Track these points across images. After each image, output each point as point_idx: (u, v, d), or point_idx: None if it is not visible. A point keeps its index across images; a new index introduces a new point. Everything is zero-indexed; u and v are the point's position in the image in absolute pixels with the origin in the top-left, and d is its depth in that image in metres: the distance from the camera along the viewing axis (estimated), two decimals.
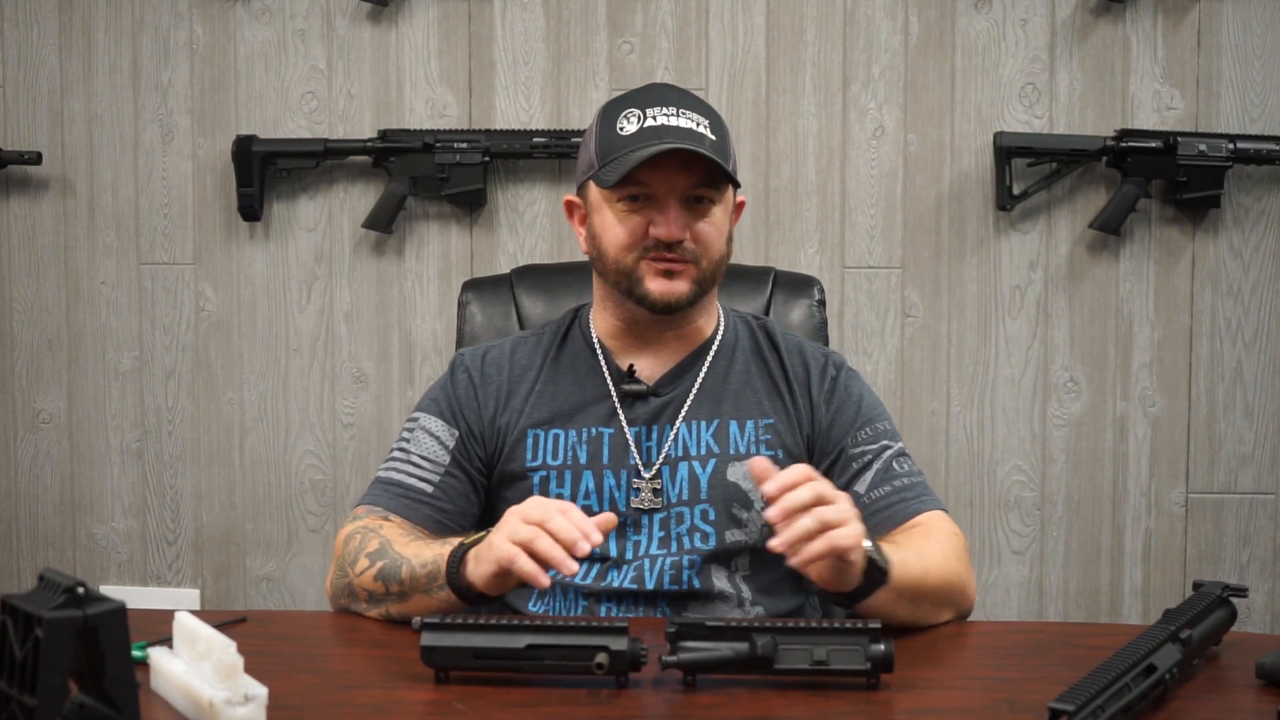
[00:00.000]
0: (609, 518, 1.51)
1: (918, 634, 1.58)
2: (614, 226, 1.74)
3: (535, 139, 2.85)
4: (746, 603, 1.73)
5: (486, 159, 2.86)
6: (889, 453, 1.76)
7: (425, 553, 1.60)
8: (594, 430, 1.77)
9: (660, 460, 1.76)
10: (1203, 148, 2.78)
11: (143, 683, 1.26)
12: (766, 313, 2.10)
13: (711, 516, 1.74)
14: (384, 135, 2.88)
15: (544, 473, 1.76)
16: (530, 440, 1.77)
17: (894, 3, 2.86)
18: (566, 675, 1.38)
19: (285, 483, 3.00)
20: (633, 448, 1.77)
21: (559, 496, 1.75)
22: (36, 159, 2.92)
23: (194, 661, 1.28)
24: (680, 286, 1.74)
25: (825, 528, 1.42)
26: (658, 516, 1.74)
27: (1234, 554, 2.92)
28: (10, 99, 2.97)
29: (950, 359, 2.92)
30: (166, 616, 1.36)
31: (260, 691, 1.24)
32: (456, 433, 1.78)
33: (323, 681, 1.42)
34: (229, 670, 1.24)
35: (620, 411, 1.78)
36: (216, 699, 1.22)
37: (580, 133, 2.84)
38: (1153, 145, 2.79)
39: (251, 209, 2.92)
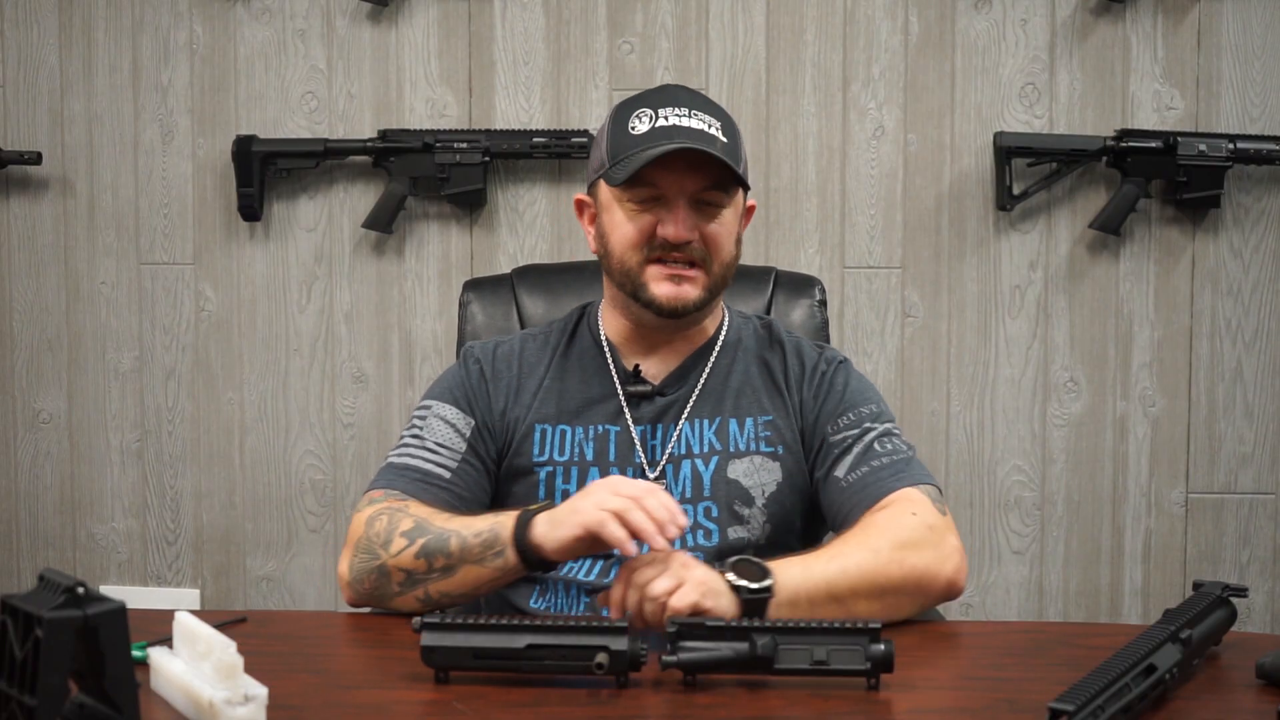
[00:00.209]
0: (684, 522, 1.51)
1: (918, 634, 1.57)
2: (622, 225, 1.74)
3: (535, 139, 2.85)
4: None
5: (486, 159, 2.86)
6: (871, 434, 1.74)
7: (476, 523, 1.59)
8: (600, 428, 1.78)
9: (664, 459, 1.77)
10: (1203, 148, 2.78)
11: (143, 683, 1.26)
12: (767, 313, 2.11)
13: (714, 514, 1.75)
14: (384, 135, 2.88)
15: (550, 468, 1.77)
16: (538, 435, 1.78)
17: (894, 3, 2.86)
18: (566, 675, 1.38)
19: (285, 483, 3.01)
20: (638, 446, 1.77)
21: (565, 493, 1.75)
22: (36, 159, 2.92)
23: (194, 661, 1.28)
24: (689, 292, 1.74)
25: (662, 599, 1.45)
26: None
27: (1234, 554, 2.92)
28: (10, 99, 2.98)
29: (950, 359, 2.92)
30: (166, 616, 1.36)
31: (260, 691, 1.24)
32: (472, 422, 1.78)
33: (323, 681, 1.42)
34: (229, 670, 1.24)
35: (626, 410, 1.79)
36: (216, 699, 1.22)
37: (581, 132, 2.84)
38: (1153, 145, 2.79)
39: (251, 209, 2.92)
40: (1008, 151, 2.82)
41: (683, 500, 1.75)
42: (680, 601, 1.45)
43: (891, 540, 1.58)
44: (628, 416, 1.79)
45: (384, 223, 2.90)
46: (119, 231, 2.99)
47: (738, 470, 1.76)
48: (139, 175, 2.98)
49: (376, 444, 2.98)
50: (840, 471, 1.72)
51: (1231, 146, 2.77)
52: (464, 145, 2.86)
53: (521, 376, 1.82)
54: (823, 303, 2.15)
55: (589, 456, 1.77)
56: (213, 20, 2.93)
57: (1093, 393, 2.91)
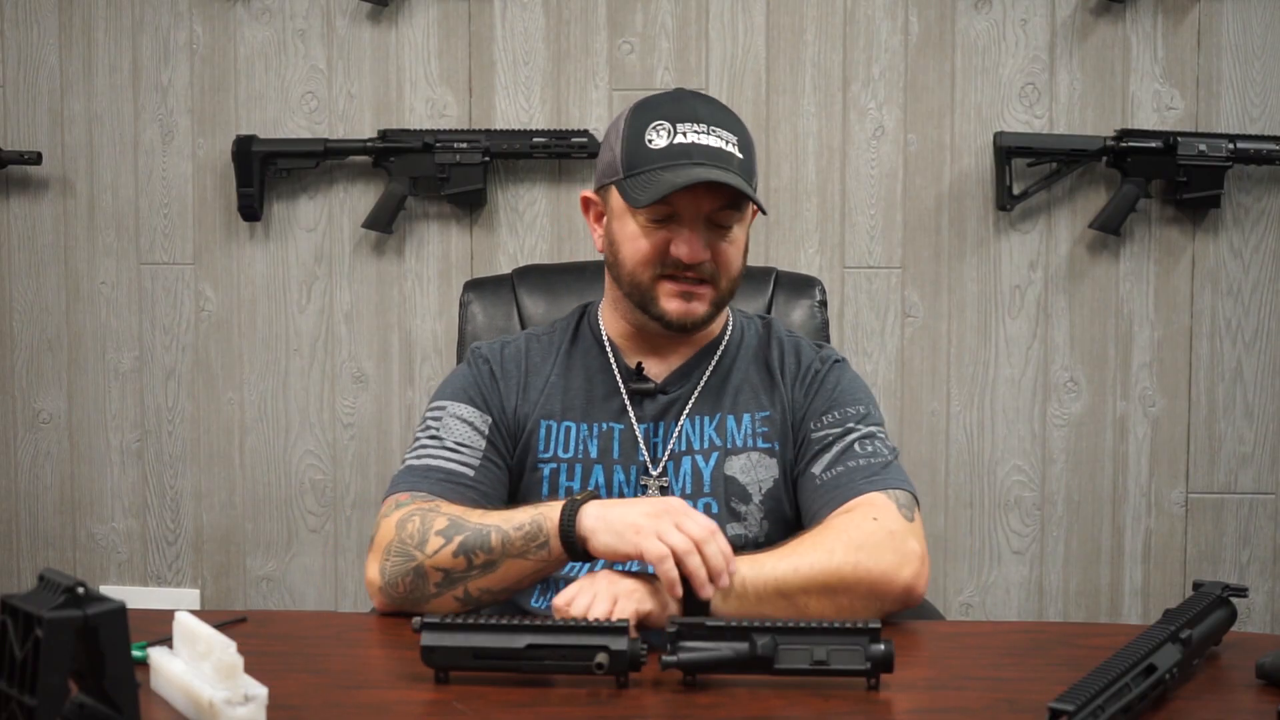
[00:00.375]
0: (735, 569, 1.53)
1: (918, 634, 1.57)
2: (635, 240, 1.73)
3: (535, 139, 2.85)
4: None
5: (486, 159, 2.86)
6: (853, 435, 1.74)
7: (516, 516, 1.59)
8: (605, 425, 1.79)
9: (666, 456, 1.77)
10: (1203, 148, 2.78)
11: (143, 683, 1.26)
12: (768, 312, 2.11)
13: (714, 510, 1.75)
14: (384, 135, 2.88)
15: (555, 465, 1.77)
16: (543, 431, 1.78)
17: (894, 3, 2.86)
18: (566, 675, 1.38)
19: (285, 483, 3.01)
20: (641, 444, 1.78)
21: (569, 490, 1.76)
22: (36, 159, 2.92)
23: (194, 661, 1.28)
24: (698, 308, 1.75)
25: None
26: None
27: (1234, 554, 2.92)
28: (10, 99, 2.98)
29: (950, 359, 2.92)
30: (166, 616, 1.36)
31: (260, 691, 1.24)
32: (489, 419, 1.78)
33: (323, 681, 1.42)
34: (229, 670, 1.24)
35: (630, 408, 1.79)
36: (216, 699, 1.22)
37: (581, 132, 2.84)
38: (1153, 145, 2.79)
39: (251, 209, 2.92)
40: (1008, 151, 2.82)
41: (684, 496, 1.75)
42: (620, 615, 1.46)
43: (847, 542, 1.57)
44: (631, 414, 1.79)
45: (384, 223, 2.90)
46: (119, 231, 2.99)
47: (735, 467, 1.77)
48: (139, 175, 2.98)
49: (376, 444, 2.98)
50: (816, 469, 1.73)
51: (1231, 146, 2.77)
52: (464, 145, 2.86)
53: (528, 375, 1.83)
54: (823, 303, 2.15)
55: (593, 454, 1.77)
56: (213, 20, 2.93)
57: (1093, 393, 2.91)
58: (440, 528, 1.61)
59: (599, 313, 1.87)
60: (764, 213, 1.77)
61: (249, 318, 2.99)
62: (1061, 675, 1.30)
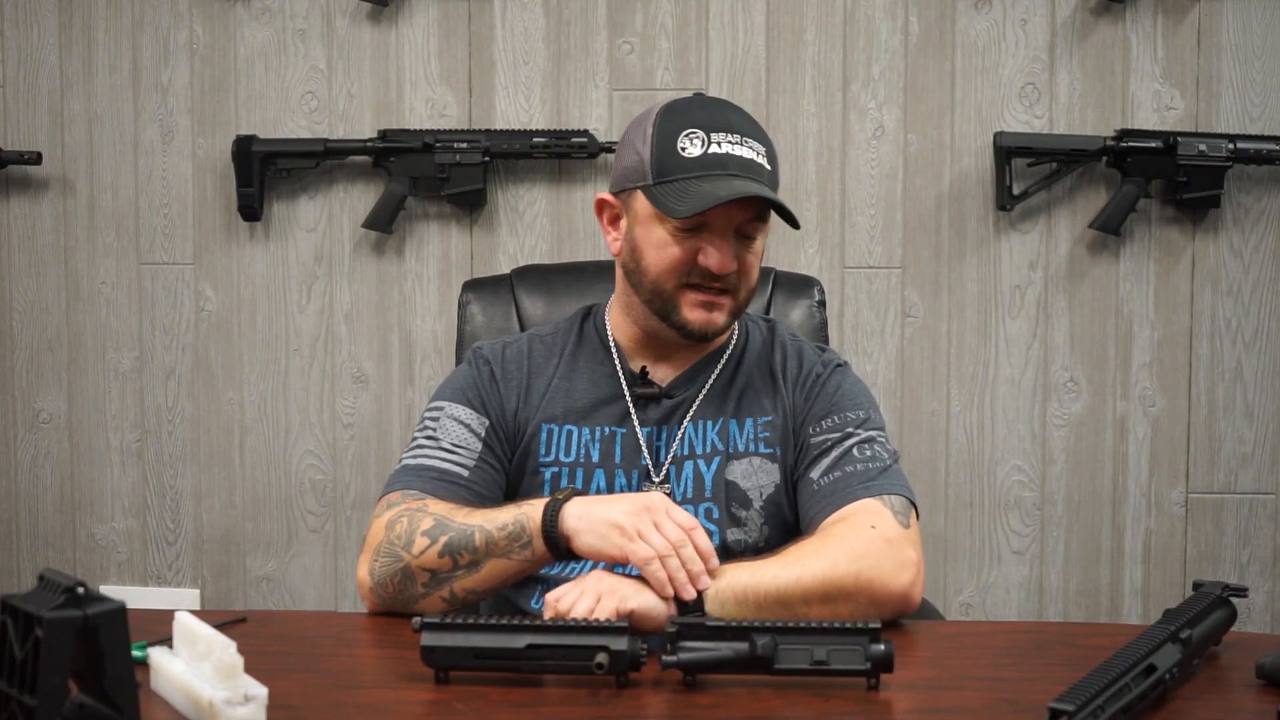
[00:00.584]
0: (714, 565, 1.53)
1: (918, 634, 1.57)
2: (662, 248, 1.72)
3: (535, 139, 2.85)
4: None
5: (486, 159, 2.86)
6: (852, 440, 1.73)
7: (500, 516, 1.59)
8: (607, 429, 1.78)
9: (669, 460, 1.77)
10: (1203, 148, 2.78)
11: (143, 683, 1.26)
12: (767, 313, 2.11)
13: (715, 515, 1.75)
14: (384, 135, 2.88)
15: (556, 469, 1.77)
16: (544, 435, 1.78)
17: (894, 3, 2.86)
18: (566, 675, 1.38)
19: (285, 483, 3.01)
20: (644, 448, 1.77)
21: None
22: (36, 159, 2.92)
23: (194, 661, 1.28)
24: (719, 318, 1.74)
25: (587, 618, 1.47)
26: None
27: (1234, 554, 2.92)
28: (10, 99, 2.98)
29: (950, 359, 2.92)
30: (166, 616, 1.36)
31: (260, 691, 1.24)
32: (486, 421, 1.78)
33: (323, 681, 1.42)
34: (229, 670, 1.24)
35: (633, 412, 1.79)
36: (216, 699, 1.22)
37: (581, 132, 2.84)
38: (1153, 145, 2.79)
39: (251, 209, 2.92)
40: (1008, 151, 2.82)
41: (684, 501, 1.75)
42: (602, 613, 1.46)
43: (848, 552, 1.57)
44: (634, 419, 1.79)
45: (384, 223, 2.90)
46: (119, 231, 2.99)
47: (736, 472, 1.76)
48: (139, 175, 2.98)
49: (376, 444, 2.98)
50: (815, 474, 1.72)
51: (1231, 146, 2.77)
52: (464, 145, 2.86)
53: (530, 376, 1.82)
54: (822, 303, 2.15)
55: (595, 458, 1.77)
56: (213, 20, 2.93)
57: (1093, 393, 2.91)
58: (426, 528, 1.61)
59: (606, 315, 1.86)
60: (797, 227, 1.75)
61: (249, 318, 2.99)
62: (1061, 675, 1.30)
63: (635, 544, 1.49)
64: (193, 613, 1.35)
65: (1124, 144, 2.80)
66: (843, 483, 1.69)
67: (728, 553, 1.74)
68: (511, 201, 2.93)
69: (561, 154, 2.86)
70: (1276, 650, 1.39)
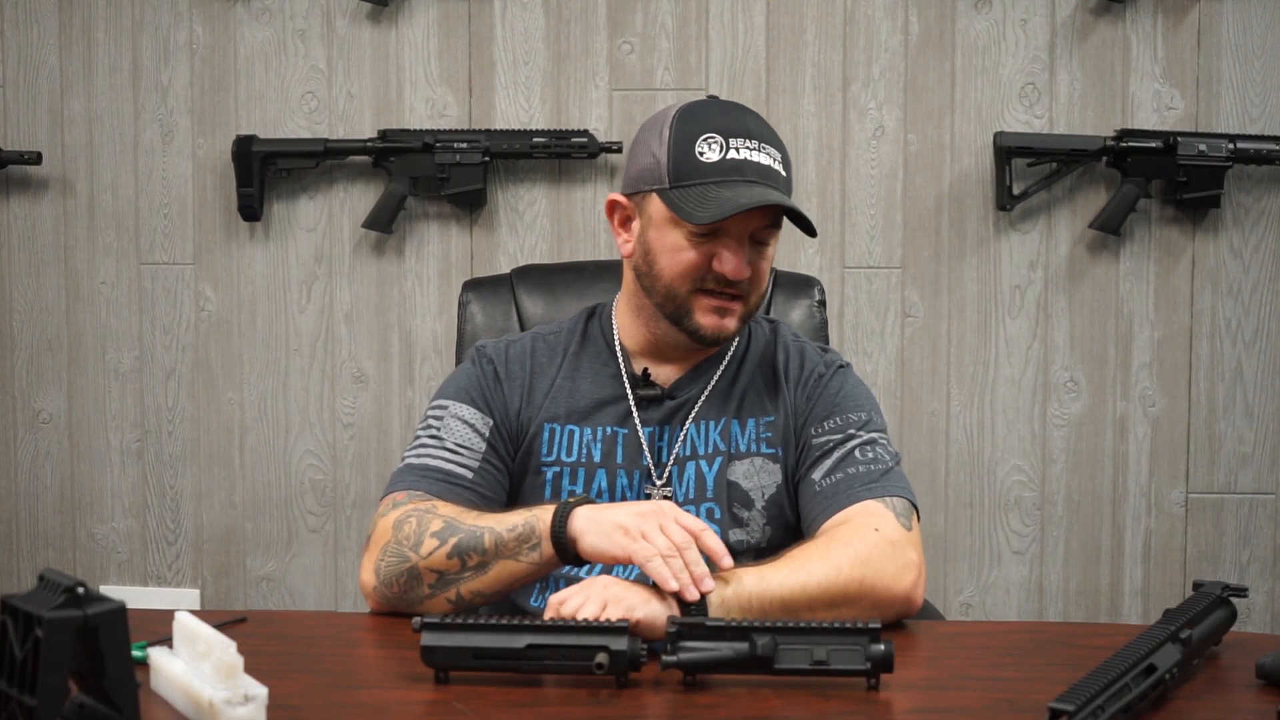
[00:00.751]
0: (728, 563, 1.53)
1: (918, 634, 1.57)
2: (677, 252, 1.72)
3: (535, 139, 2.85)
4: None
5: (486, 159, 2.86)
6: (854, 442, 1.74)
7: (509, 518, 1.59)
8: (609, 429, 1.78)
9: (671, 461, 1.77)
10: (1203, 148, 2.78)
11: (143, 683, 1.26)
12: (767, 313, 2.11)
13: (717, 515, 1.75)
14: (384, 135, 2.88)
15: (558, 469, 1.77)
16: (546, 435, 1.78)
17: (894, 3, 2.86)
18: (566, 675, 1.38)
19: (285, 483, 3.01)
20: (646, 449, 1.77)
21: (571, 494, 1.76)
22: (36, 159, 2.92)
23: (194, 661, 1.28)
24: (730, 324, 1.75)
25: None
26: None
27: (1234, 554, 2.92)
28: (10, 99, 2.98)
29: (950, 359, 2.92)
30: (166, 616, 1.36)
31: (260, 691, 1.24)
32: (490, 421, 1.78)
33: (323, 681, 1.42)
34: (229, 670, 1.24)
35: (635, 413, 1.79)
36: (216, 699, 1.22)
37: (581, 132, 2.84)
38: (1153, 145, 2.79)
39: (251, 209, 2.92)
40: (1008, 151, 2.82)
41: (686, 502, 1.75)
42: (570, 611, 1.45)
43: (852, 556, 1.57)
44: (636, 419, 1.78)
45: (384, 223, 2.90)
46: (119, 231, 2.99)
47: (738, 472, 1.76)
48: (139, 175, 2.98)
49: (376, 444, 2.98)
50: (816, 475, 1.72)
51: (1231, 146, 2.78)
52: (464, 145, 2.86)
53: (534, 376, 1.82)
54: (822, 303, 2.15)
55: (596, 458, 1.77)
56: (213, 20, 2.93)
57: (1093, 393, 2.91)
58: (436, 529, 1.61)
59: (612, 316, 1.86)
60: (813, 235, 1.75)
61: (249, 318, 2.99)
62: (1061, 675, 1.30)
63: (638, 544, 1.49)
64: (193, 613, 1.35)
65: (1124, 144, 2.80)
66: (844, 484, 1.69)
67: (732, 553, 1.73)
68: (511, 201, 2.93)
69: (561, 154, 2.86)
70: (1276, 650, 1.39)
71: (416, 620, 1.38)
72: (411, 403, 2.96)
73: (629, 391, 1.80)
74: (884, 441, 1.75)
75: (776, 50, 2.88)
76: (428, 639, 1.37)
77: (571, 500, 1.57)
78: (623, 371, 1.81)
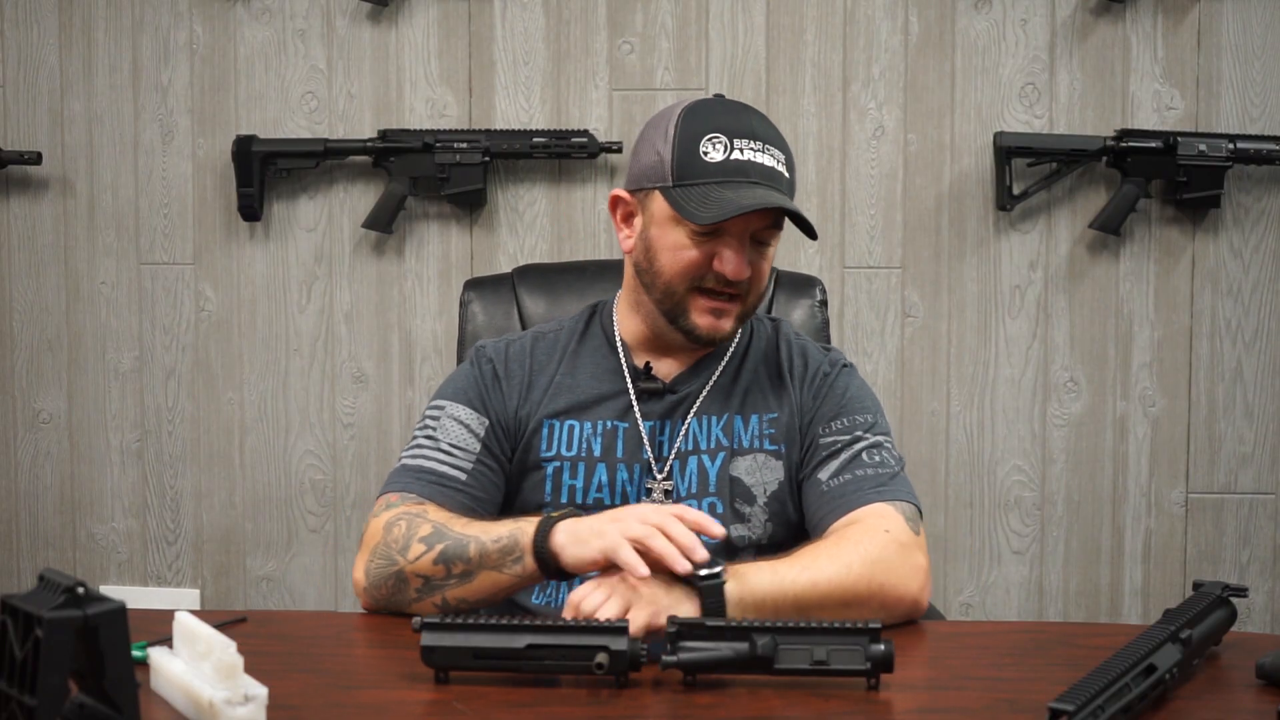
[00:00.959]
0: (718, 532, 1.52)
1: (918, 634, 1.57)
2: (678, 250, 1.72)
3: (535, 139, 2.85)
4: None
5: (486, 159, 2.86)
6: (861, 444, 1.74)
7: (495, 529, 1.59)
8: (609, 424, 1.78)
9: (672, 455, 1.77)
10: (1203, 148, 2.78)
11: (143, 683, 1.26)
12: (769, 312, 2.11)
13: (719, 510, 1.75)
14: (384, 135, 2.88)
15: (558, 463, 1.77)
16: (546, 430, 1.78)
17: (894, 3, 2.86)
18: (566, 675, 1.38)
19: (285, 483, 3.01)
20: (646, 442, 1.77)
21: (571, 488, 1.76)
22: (36, 159, 2.92)
23: (194, 661, 1.28)
24: (726, 324, 1.75)
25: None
26: None
27: (1234, 554, 2.92)
28: (10, 99, 2.98)
29: (950, 359, 2.92)
30: (166, 616, 1.36)
31: (260, 691, 1.24)
32: (486, 422, 1.78)
33: (323, 681, 1.42)
34: (229, 670, 1.24)
35: (636, 406, 1.79)
36: (216, 699, 1.22)
37: (581, 132, 2.84)
38: (1153, 145, 2.79)
39: (251, 209, 2.92)
40: (1008, 151, 2.82)
41: (688, 496, 1.75)
42: (633, 626, 1.43)
43: (863, 556, 1.57)
44: (637, 413, 1.79)
45: (384, 223, 2.90)
46: (119, 231, 2.99)
47: (740, 468, 1.76)
48: (139, 175, 2.98)
49: (376, 444, 2.98)
50: (823, 475, 1.73)
51: (1231, 146, 2.78)
52: (464, 145, 2.86)
53: (533, 374, 1.82)
54: (823, 303, 2.15)
55: (596, 452, 1.77)
56: (213, 20, 2.93)
57: (1093, 393, 2.91)
58: (424, 534, 1.61)
59: (613, 312, 1.87)
60: (814, 237, 1.75)
61: (249, 318, 2.99)
62: (1061, 675, 1.30)
63: (609, 539, 1.49)
64: (193, 613, 1.35)
65: (1124, 144, 2.80)
66: (853, 485, 1.70)
67: (731, 548, 1.74)
68: (511, 201, 2.93)
69: (561, 154, 2.86)
70: (1276, 650, 1.39)
71: (416, 620, 1.38)
72: (411, 403, 2.96)
73: (629, 385, 1.80)
74: (889, 445, 1.76)
75: (776, 50, 2.88)
76: (428, 639, 1.37)
77: (555, 514, 1.57)
78: (623, 365, 1.82)
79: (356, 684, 1.43)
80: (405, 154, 2.88)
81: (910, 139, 2.88)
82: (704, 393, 1.80)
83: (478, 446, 1.76)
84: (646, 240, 1.75)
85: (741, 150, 1.70)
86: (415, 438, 1.78)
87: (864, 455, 1.73)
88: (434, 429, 1.77)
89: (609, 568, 1.52)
